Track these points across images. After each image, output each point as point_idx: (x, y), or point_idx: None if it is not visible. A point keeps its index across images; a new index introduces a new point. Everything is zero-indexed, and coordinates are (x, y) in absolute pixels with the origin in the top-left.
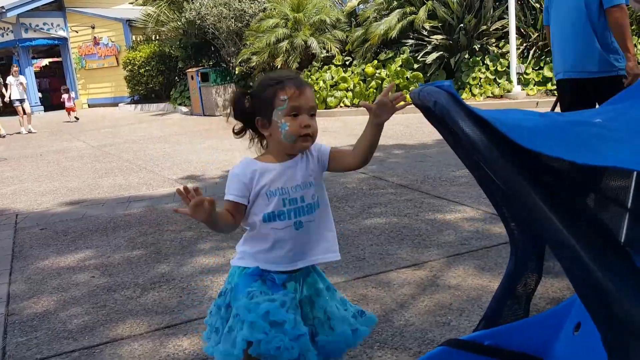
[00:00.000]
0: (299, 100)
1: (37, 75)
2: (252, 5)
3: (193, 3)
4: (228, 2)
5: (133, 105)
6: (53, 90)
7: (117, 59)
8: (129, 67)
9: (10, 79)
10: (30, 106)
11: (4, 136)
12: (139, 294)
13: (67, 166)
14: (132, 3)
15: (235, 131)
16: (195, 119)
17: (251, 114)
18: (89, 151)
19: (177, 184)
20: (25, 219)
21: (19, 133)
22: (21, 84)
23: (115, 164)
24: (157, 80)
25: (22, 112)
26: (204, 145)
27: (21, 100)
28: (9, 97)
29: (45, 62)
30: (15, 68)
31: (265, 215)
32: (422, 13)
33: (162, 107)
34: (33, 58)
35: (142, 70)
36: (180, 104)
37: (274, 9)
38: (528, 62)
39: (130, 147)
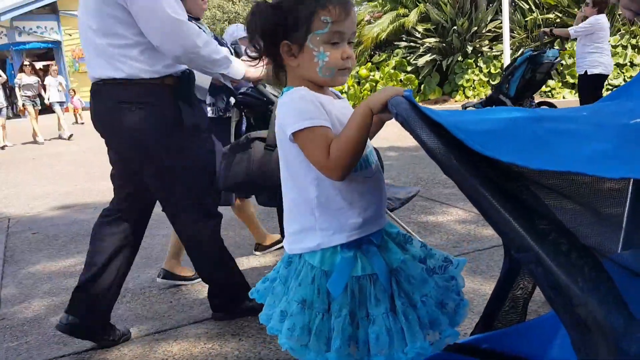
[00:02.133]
0: (344, 25)
1: None
2: (246, 7)
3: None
4: (221, 5)
5: None
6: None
7: None
8: None
9: (49, 80)
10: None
11: (42, 143)
12: (129, 299)
13: (60, 170)
14: None
15: (250, 55)
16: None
17: (274, 35)
18: (82, 155)
19: None
20: (17, 224)
21: (60, 138)
22: (60, 84)
23: (108, 168)
24: None
25: (62, 113)
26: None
27: (61, 103)
28: (48, 99)
29: (39, 65)
30: (54, 67)
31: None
32: (413, 15)
33: None
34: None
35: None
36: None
37: None
38: None
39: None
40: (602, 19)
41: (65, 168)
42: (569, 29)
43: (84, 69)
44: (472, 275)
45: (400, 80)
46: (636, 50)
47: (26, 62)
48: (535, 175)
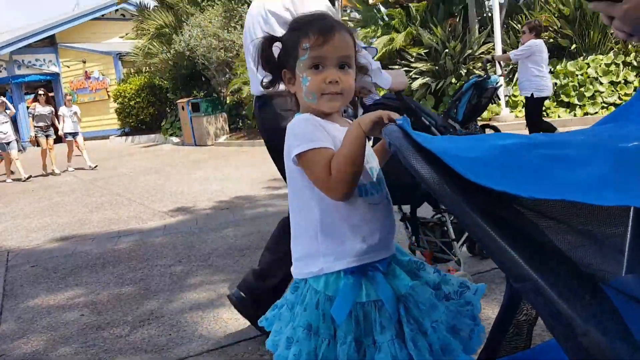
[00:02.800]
0: (323, 50)
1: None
2: (242, 35)
3: (182, 35)
4: (217, 33)
5: (124, 137)
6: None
7: (107, 92)
8: (120, 99)
9: (63, 110)
10: (22, 142)
11: (58, 174)
12: (128, 332)
13: (58, 201)
14: (122, 37)
15: (263, 85)
16: (187, 149)
17: (278, 65)
18: (80, 185)
19: (167, 217)
20: (17, 257)
21: (53, 174)
22: (75, 114)
23: (105, 198)
24: (148, 112)
25: (72, 147)
26: (195, 176)
27: (74, 134)
28: (62, 130)
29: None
30: (68, 97)
31: (361, 187)
32: (401, 37)
33: (153, 138)
34: (26, 94)
35: (133, 102)
36: (171, 135)
37: None
38: (514, 84)
39: (121, 179)
40: (540, 42)
41: (64, 199)
42: (509, 53)
43: (82, 99)
44: None
45: None
46: (629, 67)
47: (41, 92)
48: (530, 203)
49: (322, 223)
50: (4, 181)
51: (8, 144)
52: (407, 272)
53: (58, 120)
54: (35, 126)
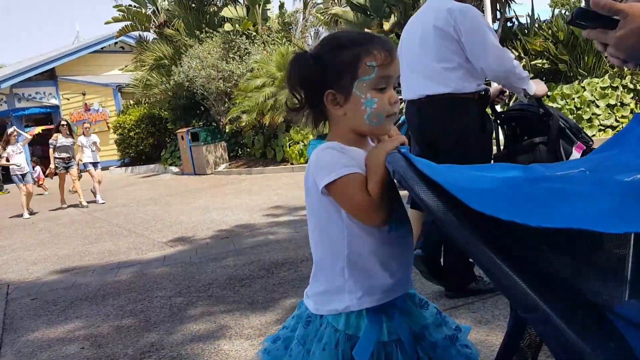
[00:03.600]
0: (390, 69)
1: (30, 143)
2: (240, 65)
3: (181, 66)
4: (216, 64)
5: (124, 168)
6: (46, 157)
7: (107, 123)
8: (119, 130)
9: (81, 140)
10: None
11: (86, 206)
12: None
13: (58, 233)
14: (121, 69)
15: (290, 106)
16: (187, 178)
17: (316, 84)
18: (80, 217)
19: (167, 247)
20: (17, 290)
21: (80, 206)
22: (94, 143)
23: (105, 229)
24: (148, 142)
25: (95, 177)
26: (194, 205)
27: (94, 164)
28: (80, 160)
29: (38, 129)
30: (86, 125)
31: (395, 219)
32: None
33: (153, 168)
34: (26, 126)
35: (132, 133)
36: (171, 164)
37: (261, 68)
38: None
39: (120, 210)
40: None
41: (63, 231)
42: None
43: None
44: (477, 326)
45: None
46: (625, 90)
47: (63, 122)
48: (536, 233)
49: (349, 258)
50: (21, 215)
51: (23, 176)
52: (418, 309)
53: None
54: (56, 158)
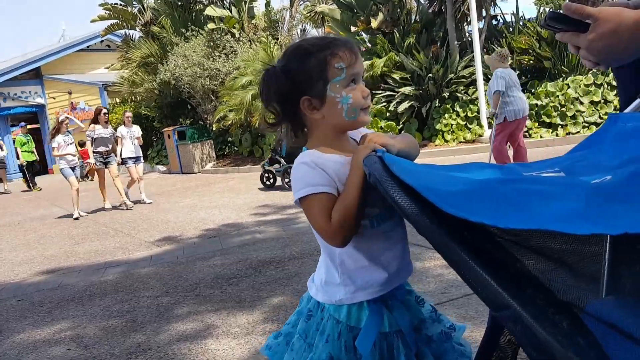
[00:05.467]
0: (356, 66)
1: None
2: (226, 64)
3: (167, 64)
4: (202, 62)
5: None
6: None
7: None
8: None
9: (122, 130)
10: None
11: (131, 208)
12: None
13: (44, 233)
14: (107, 68)
15: (270, 122)
16: (173, 177)
17: (291, 95)
18: (66, 217)
19: (153, 247)
20: (2, 291)
21: (123, 207)
22: (137, 138)
23: (91, 229)
24: None
25: (134, 174)
26: (181, 204)
27: (136, 159)
28: (120, 155)
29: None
30: (128, 114)
31: (376, 216)
32: (381, 62)
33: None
34: (12, 125)
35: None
36: (157, 163)
37: (247, 67)
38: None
39: (107, 210)
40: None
41: (49, 231)
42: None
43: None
44: (461, 322)
45: (381, 127)
46: (609, 87)
47: (104, 110)
48: (507, 234)
49: (340, 257)
50: (77, 218)
51: (73, 169)
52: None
53: (117, 142)
54: (94, 152)
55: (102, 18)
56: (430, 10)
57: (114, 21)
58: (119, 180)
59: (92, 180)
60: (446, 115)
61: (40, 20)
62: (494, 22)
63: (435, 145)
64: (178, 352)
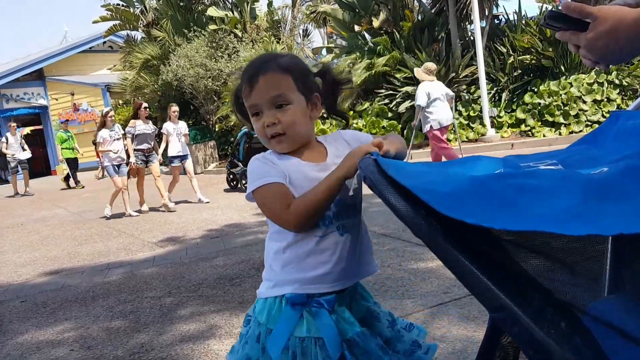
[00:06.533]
0: (251, 98)
1: None
2: (229, 64)
3: (170, 65)
4: (204, 63)
5: None
6: (36, 158)
7: (96, 123)
8: None
9: (168, 127)
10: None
11: (174, 210)
12: None
13: (47, 235)
14: (110, 69)
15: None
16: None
17: (242, 111)
18: (70, 218)
19: (157, 248)
20: (6, 292)
21: (164, 209)
22: (185, 135)
23: (95, 230)
24: None
25: (178, 174)
26: (184, 205)
27: (182, 157)
28: (165, 153)
29: (27, 130)
30: (174, 108)
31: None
32: (382, 61)
33: None
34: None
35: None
36: (160, 164)
37: None
38: (500, 105)
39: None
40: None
41: (53, 232)
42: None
43: (71, 131)
44: (465, 322)
45: (383, 127)
46: (612, 85)
47: (145, 104)
48: (504, 234)
49: (270, 249)
50: (130, 215)
51: (119, 166)
52: (359, 319)
53: (159, 139)
54: (135, 150)
55: (104, 19)
56: (432, 10)
57: (116, 22)
58: (160, 180)
59: (133, 176)
60: None
61: (41, 21)
62: (496, 21)
63: None
64: (181, 353)
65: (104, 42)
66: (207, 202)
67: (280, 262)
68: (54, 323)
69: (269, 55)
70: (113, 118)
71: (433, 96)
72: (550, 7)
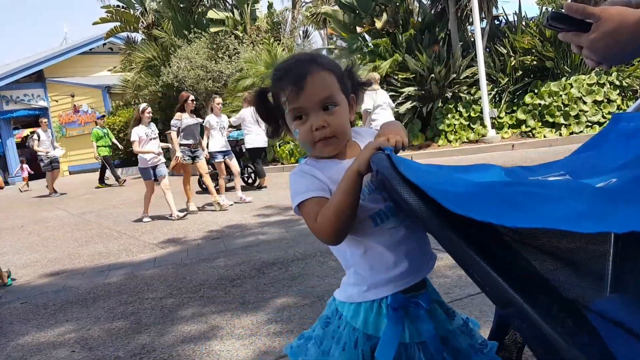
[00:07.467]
0: (299, 100)
1: (19, 145)
2: (229, 66)
3: (170, 67)
4: (205, 65)
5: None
6: (35, 160)
7: (96, 124)
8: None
9: (211, 119)
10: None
11: (227, 209)
12: None
13: (47, 236)
14: (110, 70)
15: (269, 134)
16: (177, 179)
17: (273, 115)
18: (70, 219)
19: (157, 249)
20: (6, 294)
21: (216, 207)
22: (226, 129)
23: (95, 231)
24: None
25: (223, 169)
26: (185, 206)
27: (226, 153)
28: (207, 148)
29: (27, 132)
30: (218, 101)
31: (375, 215)
32: (386, 64)
33: None
34: (15, 129)
35: (122, 134)
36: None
37: (250, 68)
38: (501, 106)
39: (111, 212)
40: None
41: (53, 234)
42: None
43: (72, 133)
44: None
45: None
46: (612, 86)
47: (192, 97)
48: (514, 233)
49: (351, 255)
50: (178, 217)
51: (155, 168)
52: (444, 313)
53: (202, 134)
54: (181, 144)
55: (104, 20)
56: (432, 11)
57: (117, 24)
58: (208, 177)
59: (178, 172)
60: (449, 116)
61: (41, 22)
62: (497, 22)
63: (439, 146)
64: (182, 354)
65: (104, 44)
66: (250, 202)
67: (366, 265)
68: (55, 324)
69: (305, 54)
70: (151, 114)
71: (377, 104)
72: (550, 8)
